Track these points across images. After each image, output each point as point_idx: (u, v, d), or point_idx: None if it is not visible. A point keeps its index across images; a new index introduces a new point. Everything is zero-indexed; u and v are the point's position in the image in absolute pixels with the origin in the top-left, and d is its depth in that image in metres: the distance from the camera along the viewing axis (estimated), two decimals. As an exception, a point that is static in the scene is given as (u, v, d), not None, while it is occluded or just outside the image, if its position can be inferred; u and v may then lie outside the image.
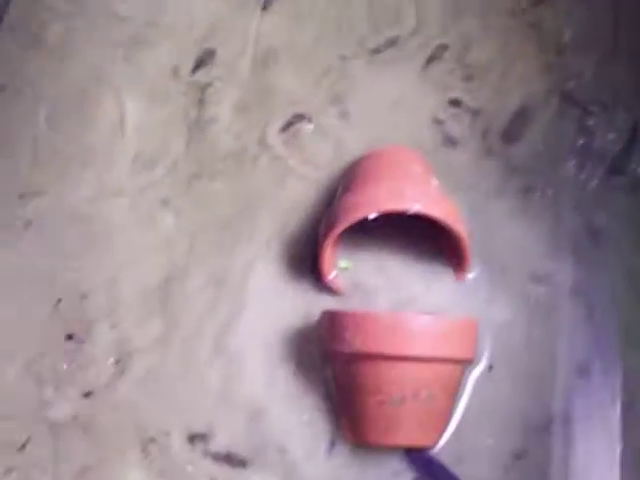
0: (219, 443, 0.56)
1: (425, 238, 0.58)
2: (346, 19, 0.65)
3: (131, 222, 0.61)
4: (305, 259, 0.59)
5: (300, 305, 0.58)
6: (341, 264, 0.58)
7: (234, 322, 0.58)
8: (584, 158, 0.61)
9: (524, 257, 0.58)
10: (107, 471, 0.56)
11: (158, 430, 0.57)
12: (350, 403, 0.54)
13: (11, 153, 0.63)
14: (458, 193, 0.59)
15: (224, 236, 0.60)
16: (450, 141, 0.61)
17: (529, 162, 0.61)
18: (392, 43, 0.64)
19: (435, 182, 0.57)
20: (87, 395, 0.58)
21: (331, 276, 0.57)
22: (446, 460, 0.55)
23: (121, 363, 0.58)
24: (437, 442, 0.55)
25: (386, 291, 0.58)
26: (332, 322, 0.53)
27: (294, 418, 0.56)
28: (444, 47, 0.64)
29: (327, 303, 0.57)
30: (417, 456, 0.55)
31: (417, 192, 0.54)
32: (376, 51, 0.64)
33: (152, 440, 0.56)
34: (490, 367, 0.56)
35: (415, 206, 0.53)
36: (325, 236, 0.55)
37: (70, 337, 0.59)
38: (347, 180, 0.59)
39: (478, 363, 0.56)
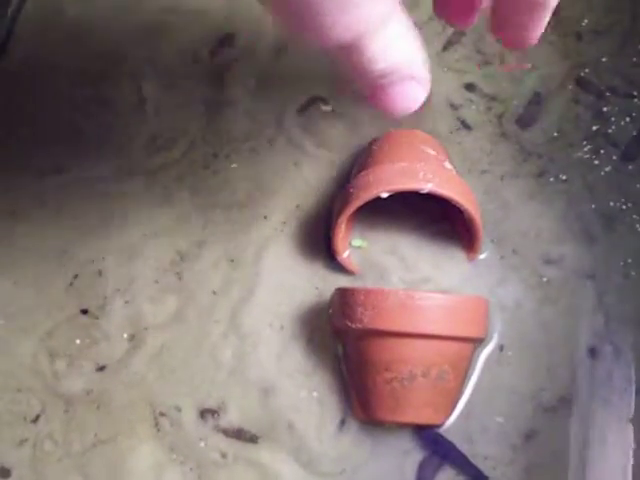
0: (230, 419, 0.57)
1: (438, 219, 0.59)
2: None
3: (147, 200, 0.61)
4: (319, 239, 0.59)
5: (313, 284, 0.58)
6: (355, 243, 0.58)
7: (248, 300, 0.58)
8: (598, 144, 0.61)
9: (536, 240, 0.59)
10: (118, 445, 0.57)
11: (170, 405, 0.57)
12: (360, 380, 0.54)
13: (29, 131, 0.64)
14: (472, 176, 0.60)
15: (239, 215, 0.60)
16: (465, 126, 0.62)
17: (543, 147, 0.61)
18: (410, 28, 0.64)
19: (449, 165, 0.57)
20: (100, 370, 0.58)
21: (344, 255, 0.58)
22: (455, 439, 0.55)
23: (135, 339, 0.58)
24: (446, 421, 0.55)
25: (399, 271, 0.58)
26: (343, 299, 0.54)
27: (305, 395, 0.57)
28: (461, 33, 0.64)
29: (340, 282, 0.58)
30: (426, 434, 0.55)
31: (430, 173, 0.54)
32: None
33: (164, 415, 0.57)
34: (501, 347, 0.57)
35: (427, 185, 0.53)
36: (339, 214, 0.55)
37: (85, 312, 0.59)
38: (362, 161, 0.59)
39: (489, 343, 0.56)
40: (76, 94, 0.65)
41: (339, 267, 0.58)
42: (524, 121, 0.62)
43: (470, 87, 0.63)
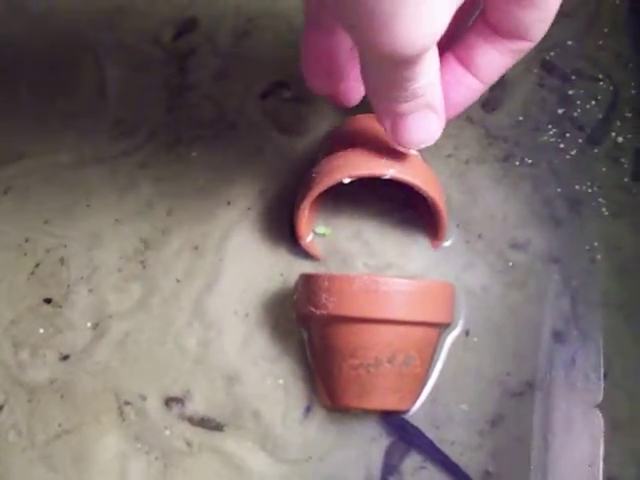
0: (195, 407, 0.56)
1: (403, 205, 0.58)
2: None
3: (110, 187, 0.60)
4: (284, 225, 0.59)
5: (278, 270, 0.58)
6: (319, 230, 0.58)
7: (212, 287, 0.58)
8: (564, 127, 0.61)
9: (502, 224, 0.58)
10: (83, 435, 0.56)
11: (135, 394, 0.57)
12: (326, 367, 0.54)
13: (-10, 118, 0.63)
14: (437, 161, 0.59)
15: (203, 202, 0.60)
16: (430, 110, 0.61)
17: (509, 131, 0.61)
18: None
19: (413, 150, 0.57)
20: (64, 359, 0.58)
21: (308, 239, 0.57)
22: (421, 425, 0.55)
23: (99, 327, 0.58)
24: (413, 407, 0.55)
25: (363, 256, 0.58)
26: (308, 285, 0.53)
27: (270, 382, 0.56)
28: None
29: (305, 268, 0.57)
30: (393, 420, 0.55)
31: (393, 158, 0.54)
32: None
33: (128, 404, 0.56)
34: (467, 332, 0.56)
35: (390, 171, 0.53)
36: (302, 199, 0.55)
37: (48, 301, 0.58)
38: (325, 147, 0.59)
39: (455, 328, 0.56)
40: (37, 80, 0.64)
41: (304, 253, 0.58)
42: (489, 105, 0.61)
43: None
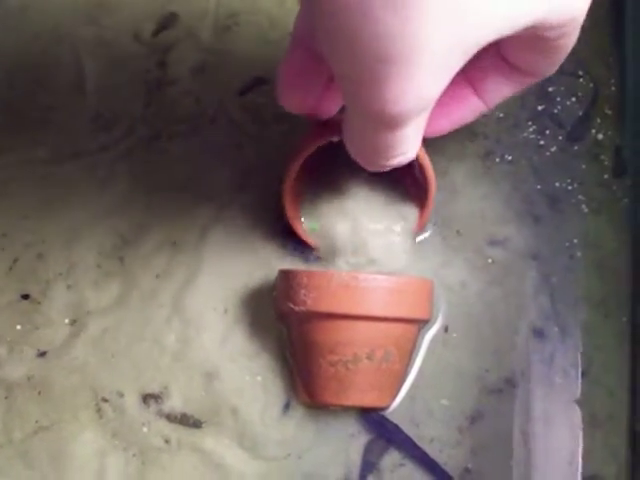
0: (173, 404, 0.56)
1: (385, 202, 0.58)
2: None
3: (89, 182, 0.60)
4: (263, 221, 0.58)
5: (258, 266, 0.58)
6: (309, 225, 0.57)
7: (191, 283, 0.58)
8: (544, 124, 0.61)
9: (482, 221, 0.58)
10: (60, 431, 0.56)
11: (112, 391, 0.56)
12: (304, 363, 0.54)
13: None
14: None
15: (181, 197, 0.59)
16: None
17: (489, 128, 0.61)
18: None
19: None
20: (42, 355, 0.57)
21: (301, 223, 0.57)
22: (400, 422, 0.55)
23: (77, 324, 0.58)
24: (392, 403, 0.55)
25: (344, 254, 0.57)
26: (287, 281, 0.53)
27: (249, 379, 0.56)
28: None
29: (284, 264, 0.57)
30: (371, 417, 0.55)
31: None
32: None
33: (106, 400, 0.56)
34: (446, 328, 0.56)
35: None
36: (292, 162, 0.54)
37: (26, 297, 0.58)
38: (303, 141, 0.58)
39: (433, 324, 0.56)
40: (15, 74, 0.63)
41: (283, 249, 0.58)
42: (470, 101, 0.61)
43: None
